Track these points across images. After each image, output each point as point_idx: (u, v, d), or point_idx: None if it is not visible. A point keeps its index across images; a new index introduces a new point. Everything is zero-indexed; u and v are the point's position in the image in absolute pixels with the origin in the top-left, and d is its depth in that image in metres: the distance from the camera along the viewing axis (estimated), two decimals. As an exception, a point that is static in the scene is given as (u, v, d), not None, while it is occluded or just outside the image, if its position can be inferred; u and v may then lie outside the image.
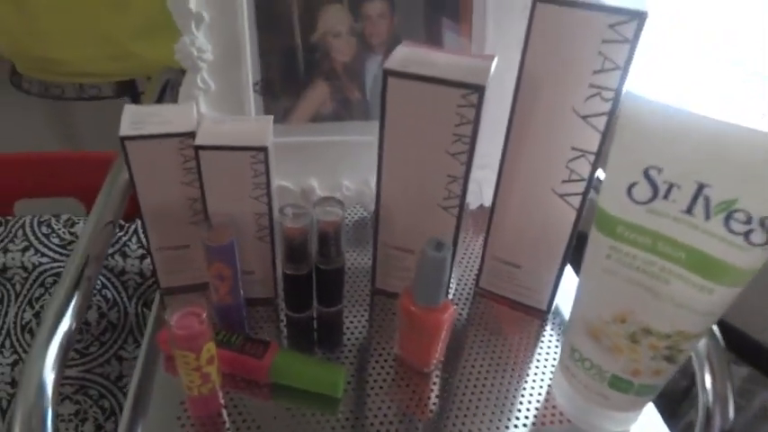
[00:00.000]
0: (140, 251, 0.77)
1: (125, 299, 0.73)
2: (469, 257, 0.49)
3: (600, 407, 0.33)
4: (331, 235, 0.38)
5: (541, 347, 0.41)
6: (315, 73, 0.47)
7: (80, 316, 0.34)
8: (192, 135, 0.35)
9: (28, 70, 1.08)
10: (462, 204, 0.37)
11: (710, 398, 0.35)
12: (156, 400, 0.35)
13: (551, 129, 0.35)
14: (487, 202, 0.50)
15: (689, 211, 0.26)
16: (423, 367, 0.38)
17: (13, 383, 0.71)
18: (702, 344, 0.35)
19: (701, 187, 0.26)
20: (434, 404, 0.36)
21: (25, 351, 0.71)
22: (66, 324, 0.33)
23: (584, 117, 0.34)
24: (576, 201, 0.36)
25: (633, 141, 0.27)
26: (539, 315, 0.43)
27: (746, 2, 0.69)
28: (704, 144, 0.25)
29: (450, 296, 0.44)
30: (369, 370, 0.38)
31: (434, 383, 0.38)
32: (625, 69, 0.31)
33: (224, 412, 0.34)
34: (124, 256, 0.74)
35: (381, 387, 0.37)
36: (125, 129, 0.35)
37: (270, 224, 0.38)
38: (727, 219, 0.25)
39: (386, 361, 0.39)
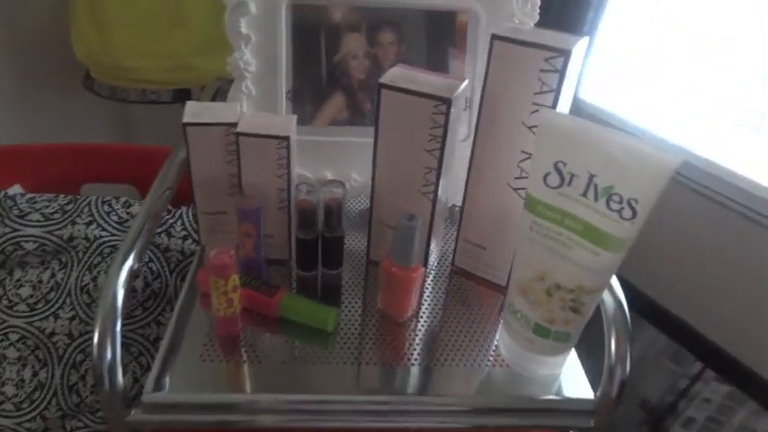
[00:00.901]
0: (183, 233, 0.90)
1: (167, 272, 0.86)
2: (449, 242, 0.59)
3: (529, 351, 0.43)
4: (334, 209, 0.49)
5: (498, 315, 0.51)
6: (335, 86, 0.59)
7: (141, 256, 0.45)
8: (234, 125, 0.47)
9: (100, 76, 1.24)
10: (436, 190, 0.47)
11: (613, 355, 0.42)
12: (186, 342, 0.46)
13: (507, 136, 0.45)
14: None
15: (584, 194, 0.36)
16: (398, 317, 0.48)
17: (71, 335, 0.84)
18: (611, 310, 0.43)
19: (591, 177, 0.36)
20: (406, 346, 0.47)
21: (83, 309, 0.84)
22: (130, 261, 0.44)
23: (530, 127, 0.44)
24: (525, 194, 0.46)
25: (548, 143, 0.38)
26: (500, 290, 0.53)
27: (744, 8, 0.75)
28: (594, 146, 0.35)
29: (431, 274, 0.54)
30: (356, 318, 0.49)
31: (407, 331, 0.48)
32: (557, 91, 0.41)
33: (241, 335, 0.45)
34: (169, 235, 0.86)
35: (365, 331, 0.48)
36: (187, 118, 0.47)
37: (288, 198, 0.50)
38: (608, 200, 0.35)
39: (370, 313, 0.49)
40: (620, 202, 0.35)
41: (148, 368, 0.87)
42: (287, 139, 0.47)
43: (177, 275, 0.87)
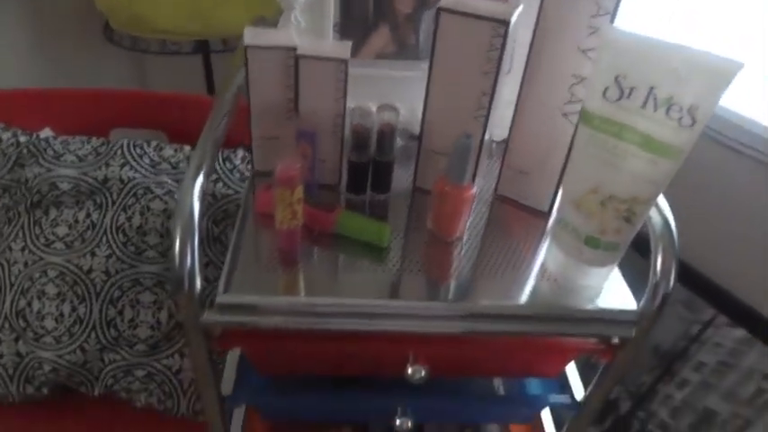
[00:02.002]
0: (214, 176, 0.92)
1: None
2: (492, 175, 0.61)
3: (578, 262, 0.45)
4: (387, 133, 0.51)
5: (540, 237, 0.53)
6: (381, 20, 0.60)
7: (208, 173, 0.47)
8: (294, 48, 0.49)
9: (120, 26, 1.24)
10: (488, 115, 0.49)
11: (659, 271, 0.45)
12: (249, 256, 0.48)
13: (560, 60, 0.47)
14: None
15: (644, 105, 0.38)
16: (447, 237, 0.51)
17: (107, 272, 0.86)
18: (658, 226, 0.46)
19: (651, 89, 0.38)
20: (455, 261, 0.49)
21: (119, 248, 0.87)
22: (203, 171, 0.46)
23: (584, 51, 0.46)
24: (575, 118, 0.48)
25: (608, 58, 0.39)
26: (541, 216, 0.55)
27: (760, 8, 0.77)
28: (654, 59, 0.37)
29: (475, 200, 0.56)
30: (408, 238, 0.51)
31: (455, 249, 0.50)
32: (613, 14, 0.43)
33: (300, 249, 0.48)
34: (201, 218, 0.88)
35: (416, 248, 0.50)
36: (248, 40, 0.49)
37: (342, 122, 0.51)
38: (668, 110, 0.37)
39: (419, 233, 0.52)
40: (680, 111, 0.37)
41: (171, 395, 0.89)
42: (345, 62, 0.48)
43: (209, 219, 0.90)
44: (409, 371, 0.48)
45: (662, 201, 0.45)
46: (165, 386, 0.90)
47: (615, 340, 0.48)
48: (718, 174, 0.93)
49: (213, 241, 0.92)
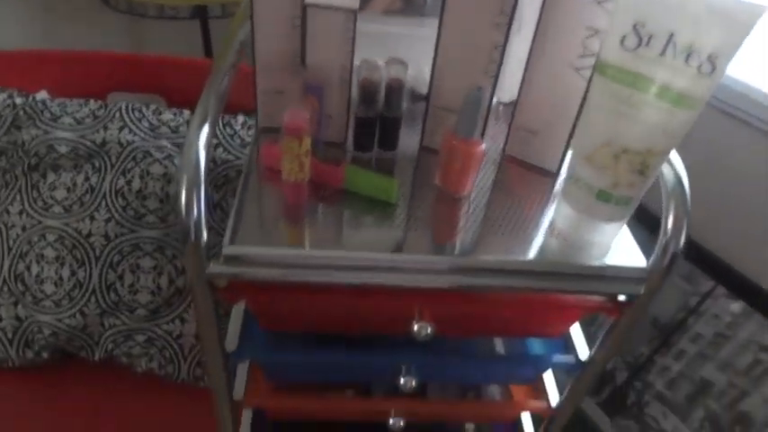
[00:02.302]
0: (215, 141, 0.90)
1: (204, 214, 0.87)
2: (499, 137, 0.60)
3: (588, 218, 0.45)
4: (395, 88, 0.50)
5: (548, 196, 0.52)
6: (388, -26, 0.58)
7: (213, 125, 0.46)
8: (301, -3, 0.47)
9: (117, -11, 1.20)
10: (499, 69, 0.48)
11: (669, 229, 0.45)
12: (254, 209, 0.47)
13: (573, 12, 0.46)
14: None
15: (663, 53, 0.37)
16: (455, 193, 0.50)
17: (107, 236, 0.86)
18: (670, 183, 0.45)
19: (671, 35, 0.37)
20: (463, 217, 0.49)
21: (118, 212, 0.86)
22: (206, 127, 0.45)
23: (599, 2, 0.44)
24: (587, 73, 0.47)
25: (627, 5, 0.38)
26: (550, 176, 0.55)
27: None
28: (673, 4, 0.36)
29: (484, 157, 0.55)
30: (415, 195, 0.51)
31: (463, 205, 0.50)
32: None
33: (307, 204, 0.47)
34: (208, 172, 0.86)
35: (424, 204, 0.49)
36: (254, -12, 0.47)
37: (350, 76, 0.50)
38: (687, 57, 0.36)
39: (427, 190, 0.51)
40: (700, 58, 0.36)
41: (172, 360, 0.89)
42: (354, 12, 0.47)
43: (210, 185, 0.89)
44: (415, 327, 0.48)
45: (675, 156, 0.45)
46: (166, 351, 0.90)
47: (622, 298, 0.48)
48: (720, 144, 0.93)
49: (214, 207, 0.91)
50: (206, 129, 0.44)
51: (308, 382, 0.58)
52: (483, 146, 0.47)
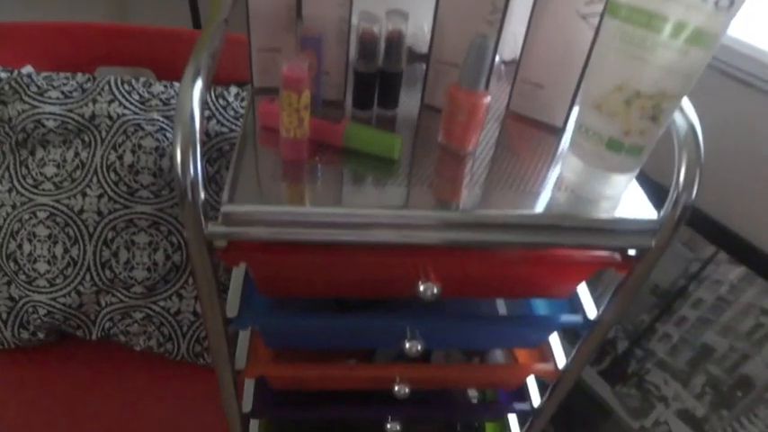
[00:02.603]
0: (207, 113, 0.88)
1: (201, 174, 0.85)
2: (502, 96, 0.59)
3: (598, 169, 0.44)
4: (395, 41, 0.48)
5: (555, 153, 0.51)
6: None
7: (206, 80, 0.44)
8: (295, -55, 0.45)
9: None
10: (504, 17, 0.46)
11: (681, 181, 0.43)
12: (252, 169, 0.45)
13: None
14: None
15: (677, -11, 0.36)
16: (460, 150, 0.48)
17: (100, 213, 0.84)
18: (683, 131, 0.44)
19: (687, -31, 0.35)
20: (468, 174, 0.47)
21: (110, 187, 0.84)
22: (200, 81, 0.43)
23: (608, -57, 0.42)
24: (595, 21, 0.46)
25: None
26: (555, 132, 0.53)
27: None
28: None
29: (489, 110, 0.54)
30: (417, 154, 0.49)
31: (468, 162, 0.48)
32: None
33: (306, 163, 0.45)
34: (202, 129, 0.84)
35: (428, 162, 0.48)
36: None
37: (348, 29, 0.48)
38: (704, -9, 0.35)
39: (430, 149, 0.49)
40: (716, -9, 0.34)
41: (170, 338, 0.88)
42: (351, -41, 0.45)
43: (203, 157, 0.87)
44: (421, 288, 0.47)
45: (687, 104, 0.43)
46: (164, 328, 0.88)
47: (632, 252, 0.47)
48: (723, 107, 0.91)
49: (209, 181, 0.89)
50: (199, 83, 0.42)
51: (310, 348, 0.56)
52: (488, 98, 0.46)
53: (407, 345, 0.53)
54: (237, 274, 0.52)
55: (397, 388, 0.59)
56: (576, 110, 0.51)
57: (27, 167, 0.86)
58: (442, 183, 0.46)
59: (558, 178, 0.47)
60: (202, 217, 0.41)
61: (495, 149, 0.51)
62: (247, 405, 0.61)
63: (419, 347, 0.53)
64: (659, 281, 1.07)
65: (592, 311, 0.54)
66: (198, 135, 0.41)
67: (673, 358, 1.05)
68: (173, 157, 0.40)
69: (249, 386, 0.63)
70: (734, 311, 1.00)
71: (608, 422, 1.16)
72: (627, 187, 0.45)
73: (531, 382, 0.67)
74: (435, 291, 0.47)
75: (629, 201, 0.46)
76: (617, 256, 0.47)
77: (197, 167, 0.40)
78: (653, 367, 1.08)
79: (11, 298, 0.87)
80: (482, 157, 0.50)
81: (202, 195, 0.40)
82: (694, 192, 0.43)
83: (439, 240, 0.43)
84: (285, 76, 0.40)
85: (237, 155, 0.47)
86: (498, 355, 0.66)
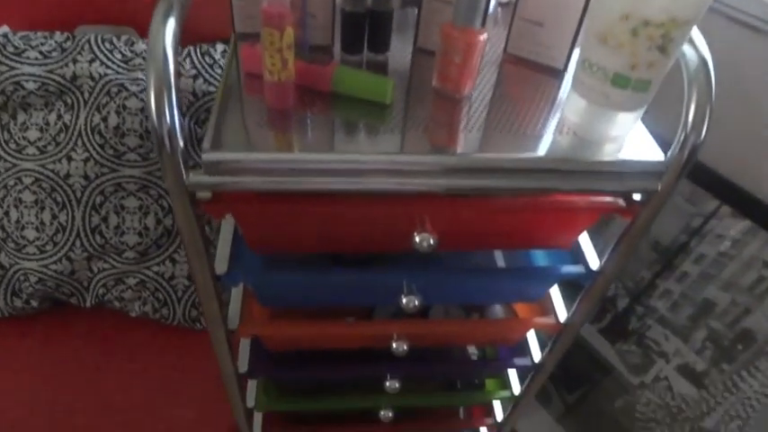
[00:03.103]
0: (193, 71, 0.85)
1: (185, 125, 0.81)
2: (499, 41, 0.55)
3: (603, 107, 0.41)
4: (385, -23, 0.45)
5: (555, 96, 0.48)
6: None
7: (179, 18, 0.40)
8: None
9: None
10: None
11: (690, 120, 0.41)
12: (236, 115, 0.43)
13: None
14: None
15: None
16: (455, 93, 0.46)
17: (87, 177, 0.81)
18: (693, 65, 0.41)
19: None
20: (465, 118, 0.45)
21: (96, 150, 0.81)
22: (173, 19, 0.39)
23: None
24: (599, -51, 0.42)
25: None
26: (556, 75, 0.50)
27: None
28: None
29: (485, 48, 0.51)
30: (411, 98, 0.46)
31: (464, 106, 0.46)
32: None
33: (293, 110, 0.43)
34: (179, 74, 0.81)
35: (422, 106, 0.45)
36: None
37: (334, -35, 0.45)
38: None
39: (425, 93, 0.47)
40: None
41: (165, 303, 0.87)
42: None
43: (191, 119, 0.84)
44: (417, 239, 0.45)
45: (698, 36, 0.41)
46: (159, 294, 0.87)
47: (637, 197, 0.45)
48: (728, 54, 0.88)
49: (198, 143, 0.86)
50: (172, 22, 0.39)
51: (305, 307, 0.55)
52: (485, 35, 0.43)
53: (404, 300, 0.51)
54: (226, 229, 0.50)
55: (395, 345, 0.58)
56: (576, 52, 0.48)
57: (9, 132, 0.83)
58: (437, 128, 0.43)
59: (559, 121, 0.45)
60: (182, 166, 0.38)
61: (492, 93, 0.48)
62: (243, 366, 0.60)
63: (416, 302, 0.51)
64: (660, 237, 1.05)
65: (594, 262, 0.52)
66: (173, 77, 0.38)
67: (673, 314, 1.04)
68: (146, 103, 0.37)
69: (245, 347, 0.62)
70: (736, 266, 0.99)
71: (608, 379, 1.16)
72: (632, 128, 0.43)
73: (532, 337, 0.66)
74: (432, 242, 0.45)
75: (634, 142, 0.44)
76: (621, 201, 0.45)
77: (173, 112, 0.37)
78: (653, 324, 1.07)
79: (1, 266, 0.86)
80: (479, 101, 0.47)
81: (181, 143, 0.38)
82: (704, 131, 0.41)
83: (435, 187, 0.41)
84: (265, 12, 0.37)
85: (220, 103, 0.44)
86: (498, 311, 0.65)
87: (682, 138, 0.41)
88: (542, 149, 0.42)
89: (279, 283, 0.50)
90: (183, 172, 0.38)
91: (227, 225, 0.50)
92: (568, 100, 0.44)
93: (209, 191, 0.40)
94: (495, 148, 0.42)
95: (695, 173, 0.98)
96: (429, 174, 0.41)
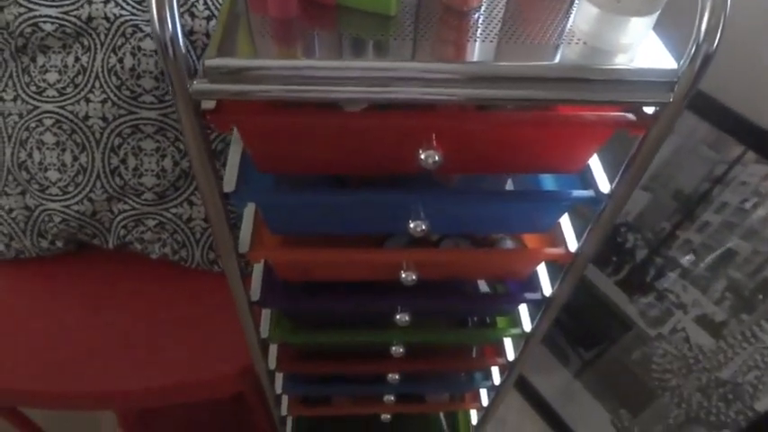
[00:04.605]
0: (206, 12, 0.84)
1: (193, 56, 0.82)
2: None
3: (613, 12, 0.40)
4: None
5: (567, 8, 0.47)
6: None
7: None
8: None
9: None
10: None
11: (704, 27, 0.39)
12: (237, 28, 0.43)
13: None
14: None
15: None
16: (464, 6, 0.45)
17: (105, 118, 0.83)
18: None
19: None
20: (471, 30, 0.44)
21: (113, 92, 0.82)
22: None
23: None
24: None
25: None
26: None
27: None
28: None
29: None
30: (418, 11, 0.45)
31: (472, 18, 0.45)
32: None
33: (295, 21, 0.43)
34: (192, 15, 0.81)
35: (430, 18, 0.44)
36: None
37: None
38: None
39: (431, 7, 0.46)
40: None
41: (184, 245, 0.88)
42: None
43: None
44: (422, 156, 0.45)
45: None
46: (178, 235, 0.89)
47: (649, 110, 0.44)
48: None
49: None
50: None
51: (314, 233, 0.56)
52: (492, -59, 0.42)
53: (412, 224, 0.51)
54: (234, 150, 0.50)
55: (404, 275, 0.58)
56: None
57: (29, 75, 0.84)
58: (446, 39, 0.43)
59: (569, 31, 0.44)
60: (185, 73, 0.39)
61: (500, 5, 0.47)
62: (256, 294, 0.62)
63: (424, 227, 0.51)
64: (682, 185, 1.03)
65: (605, 186, 0.51)
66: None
67: (693, 265, 1.03)
68: (148, 7, 0.37)
69: (258, 278, 0.64)
70: (759, 213, 0.96)
71: (625, 332, 1.16)
72: (645, 35, 0.42)
73: (542, 273, 0.66)
74: (437, 158, 0.45)
75: (646, 51, 0.42)
76: (631, 116, 0.44)
77: (175, 18, 0.37)
78: (672, 275, 1.06)
79: (27, 207, 0.89)
80: (488, 11, 0.46)
81: (183, 48, 0.38)
82: (717, 39, 0.39)
83: (439, 96, 0.41)
84: None
85: (225, 19, 0.44)
86: (508, 245, 0.65)
87: (694, 46, 0.40)
88: (550, 58, 0.41)
89: (287, 204, 0.51)
90: (187, 79, 0.39)
91: (236, 146, 0.51)
92: (579, 8, 0.43)
93: (213, 99, 0.41)
94: (505, 57, 0.41)
95: (719, 117, 0.95)
96: (436, 82, 0.40)
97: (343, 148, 0.46)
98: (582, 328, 1.23)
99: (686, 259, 1.04)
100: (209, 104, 0.41)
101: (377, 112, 0.43)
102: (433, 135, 0.45)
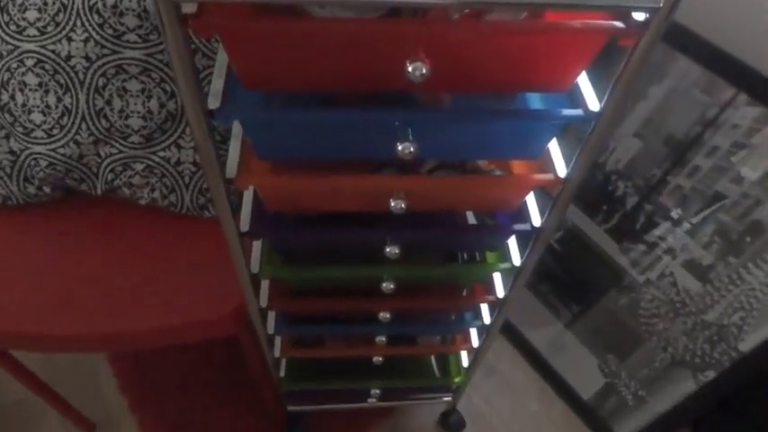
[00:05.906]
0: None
1: None
2: None
3: None
4: None
5: None
6: None
7: None
8: None
9: None
10: None
11: None
12: None
13: None
14: None
15: None
16: None
17: (88, 58, 0.81)
18: None
19: None
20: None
21: (95, 30, 0.80)
22: None
23: None
24: None
25: None
26: None
27: None
28: None
29: None
30: None
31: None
32: None
33: None
34: None
35: None
36: None
37: None
38: None
39: None
40: None
41: (173, 189, 0.86)
42: None
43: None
44: (409, 68, 0.44)
45: None
46: (167, 179, 0.89)
47: (639, 18, 0.43)
48: None
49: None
50: None
51: (300, 157, 0.55)
52: None
53: (400, 147, 0.51)
54: (220, 63, 0.49)
55: (393, 203, 0.58)
56: None
57: (8, 13, 0.82)
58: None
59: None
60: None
61: None
62: (245, 225, 0.61)
63: (412, 149, 0.51)
64: (674, 130, 1.03)
65: (594, 104, 0.51)
66: None
67: (683, 210, 1.04)
68: None
69: (247, 210, 0.63)
70: (750, 155, 0.96)
71: (614, 279, 1.17)
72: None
73: (531, 204, 0.66)
74: (424, 71, 0.44)
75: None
76: (620, 24, 0.44)
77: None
78: (662, 221, 1.07)
79: (11, 152, 0.87)
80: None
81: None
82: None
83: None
84: None
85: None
86: (497, 174, 0.65)
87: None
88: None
89: (272, 123, 0.50)
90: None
91: (221, 61, 0.50)
92: None
93: (194, 4, 0.40)
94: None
95: (712, 59, 0.95)
96: None
97: (330, 59, 0.45)
98: (572, 277, 1.24)
99: (675, 204, 1.05)
100: (190, 8, 0.40)
101: (363, 21, 0.42)
102: (420, 49, 0.44)
